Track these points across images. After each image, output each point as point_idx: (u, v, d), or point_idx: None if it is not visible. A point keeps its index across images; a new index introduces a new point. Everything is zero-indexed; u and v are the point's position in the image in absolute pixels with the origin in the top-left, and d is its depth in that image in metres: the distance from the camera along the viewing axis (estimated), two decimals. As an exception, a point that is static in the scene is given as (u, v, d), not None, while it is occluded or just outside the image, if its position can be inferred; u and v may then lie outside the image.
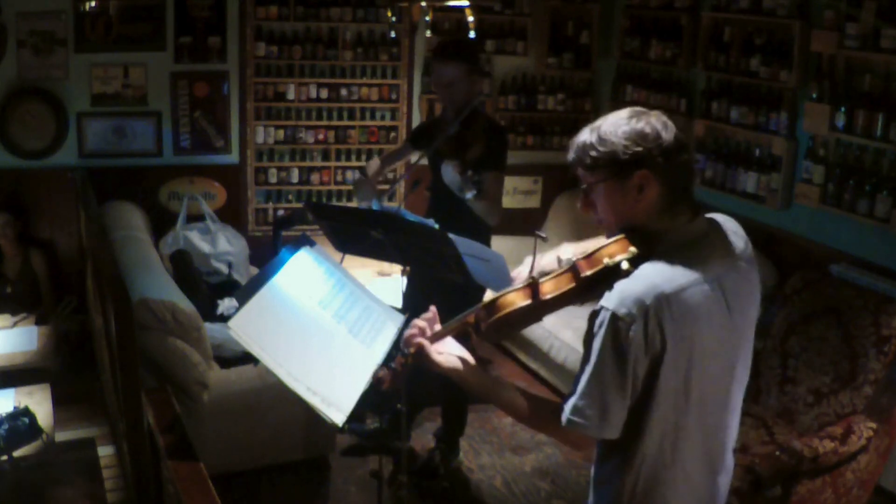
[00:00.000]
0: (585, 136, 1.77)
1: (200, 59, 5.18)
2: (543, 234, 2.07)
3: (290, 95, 5.42)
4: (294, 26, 5.33)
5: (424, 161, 3.70)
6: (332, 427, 3.57)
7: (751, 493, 3.12)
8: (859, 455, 3.21)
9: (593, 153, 1.74)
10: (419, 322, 1.92)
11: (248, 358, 3.61)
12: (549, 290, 1.76)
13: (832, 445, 3.13)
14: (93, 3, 4.92)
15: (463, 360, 1.88)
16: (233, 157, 5.42)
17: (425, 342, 1.88)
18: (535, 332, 4.77)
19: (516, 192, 5.96)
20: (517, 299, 1.77)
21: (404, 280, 3.40)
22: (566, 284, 1.75)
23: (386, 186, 5.50)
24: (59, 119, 4.97)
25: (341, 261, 2.94)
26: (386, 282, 4.71)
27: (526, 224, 5.86)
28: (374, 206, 3.51)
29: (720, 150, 4.77)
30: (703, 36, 4.82)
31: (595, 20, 5.68)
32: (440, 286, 3.14)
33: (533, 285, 1.77)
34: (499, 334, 1.85)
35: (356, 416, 3.87)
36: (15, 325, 4.40)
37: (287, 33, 5.33)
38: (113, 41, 5.00)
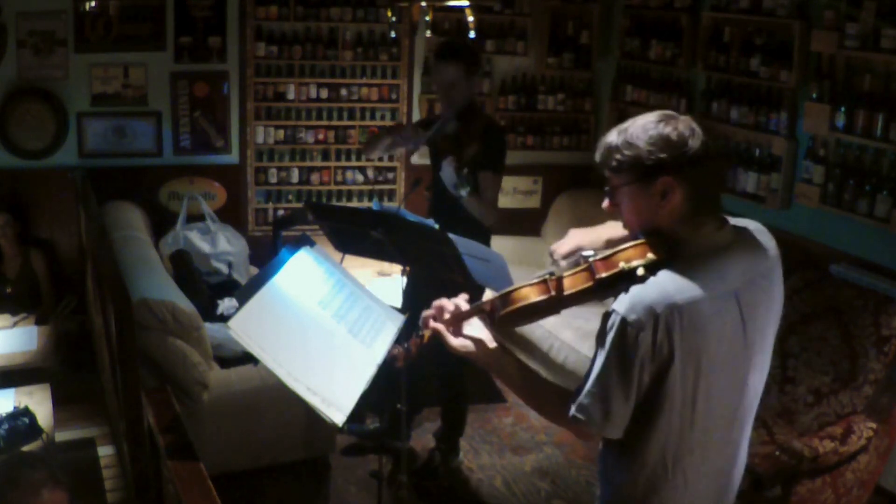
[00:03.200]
0: (612, 137, 1.77)
1: (200, 59, 5.18)
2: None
3: (290, 95, 5.42)
4: (294, 26, 5.33)
5: (426, 161, 3.70)
6: (332, 427, 3.57)
7: (751, 493, 3.12)
8: (859, 455, 3.21)
9: (618, 156, 1.74)
10: (437, 303, 1.96)
11: (248, 358, 3.60)
12: (565, 287, 1.78)
13: (832, 445, 3.14)
14: (93, 3, 4.92)
15: (478, 343, 1.91)
16: (233, 157, 5.42)
17: (440, 326, 1.92)
18: (535, 332, 4.77)
19: (516, 192, 5.96)
20: (533, 294, 1.80)
21: (405, 280, 3.40)
22: (581, 284, 1.77)
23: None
24: (58, 119, 4.97)
25: (341, 261, 2.94)
26: (386, 282, 4.71)
27: (526, 224, 5.88)
28: (375, 206, 3.52)
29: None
30: (703, 36, 4.81)
31: (595, 20, 5.68)
32: (440, 286, 3.14)
33: (550, 281, 1.79)
34: (512, 324, 1.89)
35: (356, 416, 3.88)
36: (15, 325, 4.40)
37: (287, 33, 5.33)
38: (113, 41, 5.00)
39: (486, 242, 3.58)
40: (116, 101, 5.09)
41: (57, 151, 5.02)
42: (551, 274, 1.81)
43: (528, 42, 5.68)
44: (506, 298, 1.84)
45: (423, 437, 4.18)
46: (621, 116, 5.64)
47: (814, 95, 4.08)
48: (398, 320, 2.75)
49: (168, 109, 5.20)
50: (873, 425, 3.23)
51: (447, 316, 1.94)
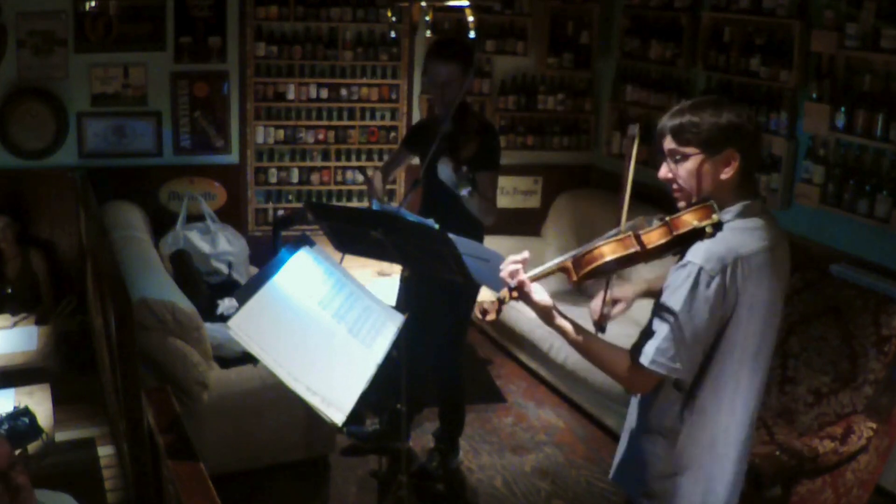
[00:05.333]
0: (686, 114, 2.02)
1: (200, 59, 5.18)
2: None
3: (290, 95, 5.42)
4: (294, 26, 5.33)
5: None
6: (332, 427, 3.57)
7: (751, 493, 3.12)
8: (859, 455, 3.21)
9: (694, 129, 2.00)
10: (517, 258, 2.09)
11: (248, 358, 3.60)
12: (648, 241, 2.01)
13: (832, 445, 3.13)
14: (93, 3, 4.92)
15: (549, 302, 2.08)
16: (233, 157, 5.42)
17: (526, 278, 2.06)
18: (535, 332, 4.77)
19: (516, 192, 5.95)
20: (617, 249, 2.01)
21: (398, 284, 3.39)
22: (660, 238, 2.01)
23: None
24: (59, 119, 4.97)
25: (341, 261, 2.94)
26: (386, 282, 4.71)
27: (526, 224, 5.88)
28: (375, 206, 3.51)
29: (720, 150, 4.77)
30: (703, 36, 4.82)
31: (595, 20, 5.69)
32: (437, 286, 3.14)
33: (634, 236, 2.01)
34: (590, 278, 2.07)
35: (355, 417, 3.88)
36: (15, 325, 4.40)
37: (287, 33, 5.33)
38: (113, 41, 5.00)
39: (479, 239, 3.57)
40: (116, 101, 5.09)
41: (57, 151, 5.03)
42: (633, 231, 2.02)
43: (528, 42, 5.68)
44: (587, 255, 2.03)
45: (423, 438, 4.18)
46: (621, 116, 5.66)
47: (814, 95, 4.08)
48: (398, 320, 2.75)
49: (168, 109, 5.20)
50: (873, 425, 3.23)
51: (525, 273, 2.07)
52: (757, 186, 2.10)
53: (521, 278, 2.05)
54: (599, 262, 2.01)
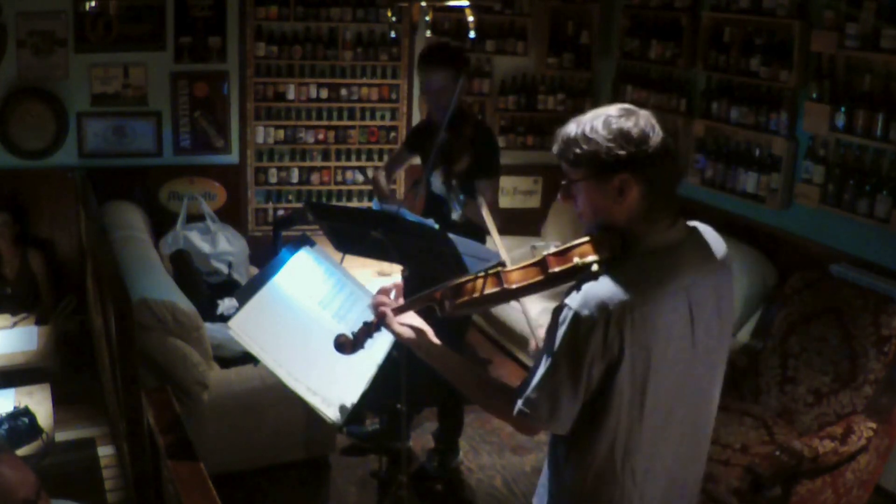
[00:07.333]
0: (571, 129, 1.72)
1: (200, 59, 5.18)
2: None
3: (290, 95, 5.42)
4: (294, 26, 5.33)
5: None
6: (332, 427, 3.57)
7: (751, 493, 3.12)
8: (859, 455, 3.21)
9: (576, 149, 1.69)
10: (385, 288, 1.99)
11: (248, 358, 3.61)
12: (514, 279, 1.78)
13: (832, 445, 3.13)
14: (93, 3, 4.92)
15: (419, 332, 1.92)
16: (233, 157, 5.42)
17: (388, 310, 1.94)
18: (535, 332, 4.76)
19: (516, 192, 5.95)
20: (483, 286, 1.81)
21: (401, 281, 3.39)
22: (532, 277, 1.76)
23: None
24: (59, 119, 4.97)
25: (341, 261, 2.94)
26: (386, 282, 4.71)
27: (526, 224, 5.88)
28: (375, 205, 3.52)
29: (720, 150, 4.77)
30: (703, 36, 4.81)
31: (595, 20, 5.69)
32: (437, 286, 3.13)
33: (498, 275, 1.79)
34: (462, 313, 1.90)
35: (355, 417, 3.87)
36: (15, 325, 4.40)
37: (287, 33, 5.34)
38: (113, 41, 5.00)
39: (482, 240, 3.57)
40: (116, 101, 5.09)
41: (57, 151, 5.03)
42: (503, 266, 1.81)
43: (528, 42, 5.68)
44: (457, 289, 1.85)
45: (423, 438, 4.18)
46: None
47: (814, 95, 4.08)
48: (398, 320, 2.74)
49: (168, 109, 5.20)
50: (873, 425, 3.23)
51: (396, 303, 1.97)
52: (674, 214, 1.74)
53: (381, 310, 1.93)
54: (469, 297, 1.82)
